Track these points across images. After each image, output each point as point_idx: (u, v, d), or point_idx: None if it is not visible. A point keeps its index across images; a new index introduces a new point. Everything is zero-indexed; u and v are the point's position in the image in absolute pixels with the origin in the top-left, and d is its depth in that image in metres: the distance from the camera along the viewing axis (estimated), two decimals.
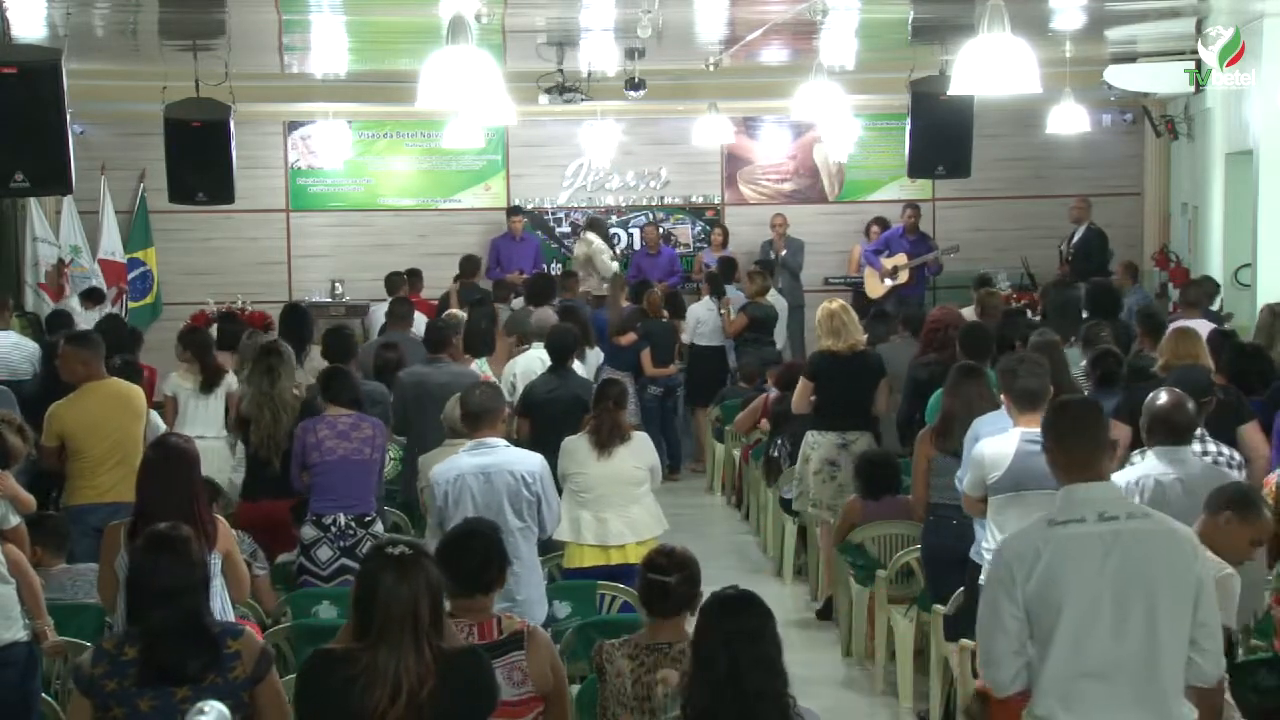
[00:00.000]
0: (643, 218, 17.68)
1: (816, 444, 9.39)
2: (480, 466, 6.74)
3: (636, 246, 17.44)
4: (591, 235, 16.32)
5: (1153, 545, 4.39)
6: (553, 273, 16.16)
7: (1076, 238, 15.44)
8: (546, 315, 10.63)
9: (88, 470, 8.09)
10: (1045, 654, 4.36)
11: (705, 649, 4.30)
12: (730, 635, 4.26)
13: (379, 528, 7.69)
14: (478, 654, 4.32)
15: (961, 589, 7.05)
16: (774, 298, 14.79)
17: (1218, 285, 12.80)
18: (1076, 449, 4.52)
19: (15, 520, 6.43)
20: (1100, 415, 4.69)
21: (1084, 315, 11.10)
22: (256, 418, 8.29)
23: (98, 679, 4.51)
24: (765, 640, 4.31)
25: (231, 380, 9.95)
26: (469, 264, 15.84)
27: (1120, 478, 6.11)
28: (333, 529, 7.58)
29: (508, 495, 6.71)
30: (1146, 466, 6.19)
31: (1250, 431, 7.49)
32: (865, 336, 9.66)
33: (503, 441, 6.93)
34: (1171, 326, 9.25)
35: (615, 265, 16.15)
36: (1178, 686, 4.39)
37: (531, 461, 6.88)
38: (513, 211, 16.92)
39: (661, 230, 17.38)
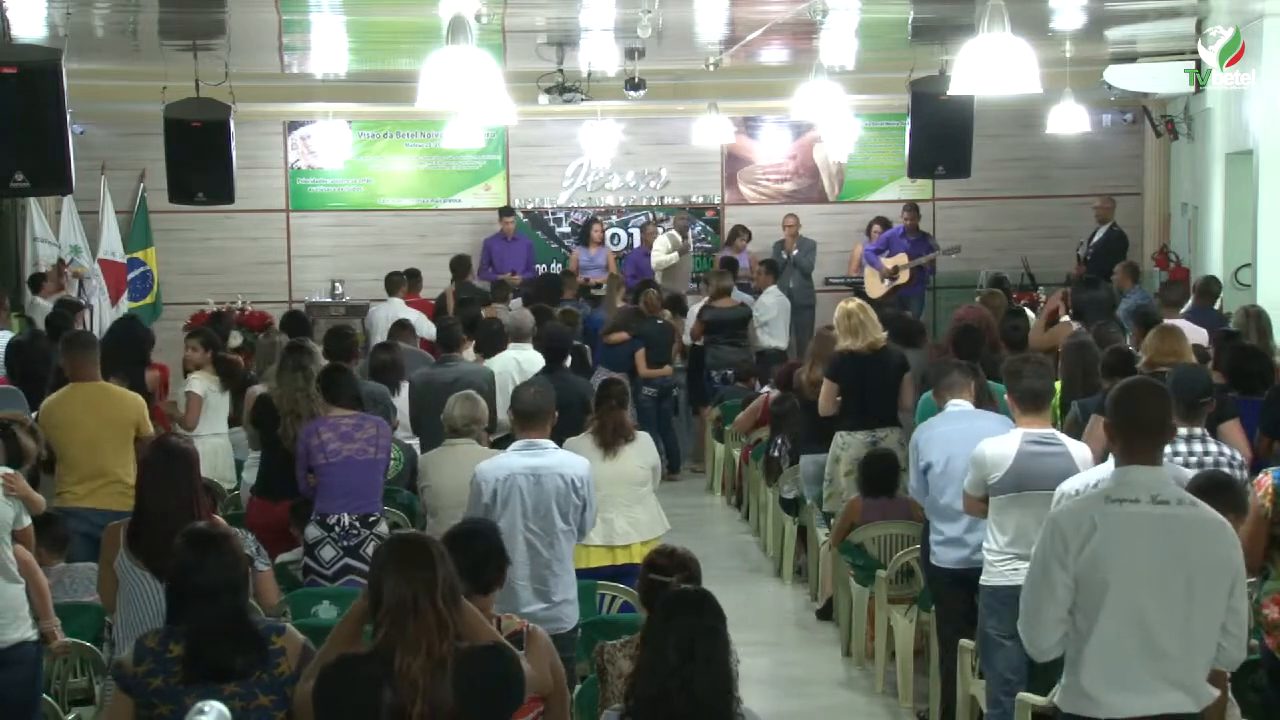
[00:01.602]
0: (643, 217, 17.69)
1: (847, 444, 9.34)
2: (531, 468, 6.71)
3: (636, 245, 17.47)
4: (664, 233, 16.58)
5: (1199, 532, 4.51)
6: (554, 272, 16.30)
7: (1098, 237, 15.43)
8: (524, 316, 10.66)
9: (65, 472, 8.07)
10: (1090, 629, 4.46)
11: (658, 642, 4.29)
12: (686, 631, 4.25)
13: (383, 528, 7.68)
14: (499, 650, 4.30)
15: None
16: (777, 297, 14.82)
17: (1220, 284, 12.79)
18: (1140, 432, 4.57)
19: (26, 521, 6.43)
20: (1167, 399, 4.72)
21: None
22: (292, 411, 8.18)
23: (141, 676, 4.51)
24: (719, 640, 4.29)
25: None
26: (460, 264, 15.86)
27: (1079, 480, 6.02)
28: (336, 529, 7.56)
29: (556, 498, 6.69)
30: (1107, 466, 6.15)
31: (1230, 430, 7.43)
32: (885, 334, 9.64)
33: (552, 443, 6.90)
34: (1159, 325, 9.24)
35: (671, 258, 16.25)
36: (1207, 667, 4.53)
37: (580, 465, 6.86)
38: (504, 212, 16.94)
39: (675, 223, 17.34)
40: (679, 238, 16.62)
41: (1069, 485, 6.04)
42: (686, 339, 14.29)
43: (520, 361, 9.89)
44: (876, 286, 16.00)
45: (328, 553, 7.52)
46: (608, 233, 17.38)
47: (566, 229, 17.69)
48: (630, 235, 17.70)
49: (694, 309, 14.57)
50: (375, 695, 4.01)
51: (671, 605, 4.38)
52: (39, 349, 10.05)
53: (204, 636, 4.52)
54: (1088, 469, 6.59)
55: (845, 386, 9.41)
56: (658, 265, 16.35)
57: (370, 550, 7.37)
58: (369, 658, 4.10)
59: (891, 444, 9.21)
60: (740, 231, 16.79)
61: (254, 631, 4.59)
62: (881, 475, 8.76)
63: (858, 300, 9.80)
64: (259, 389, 9.26)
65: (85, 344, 8.40)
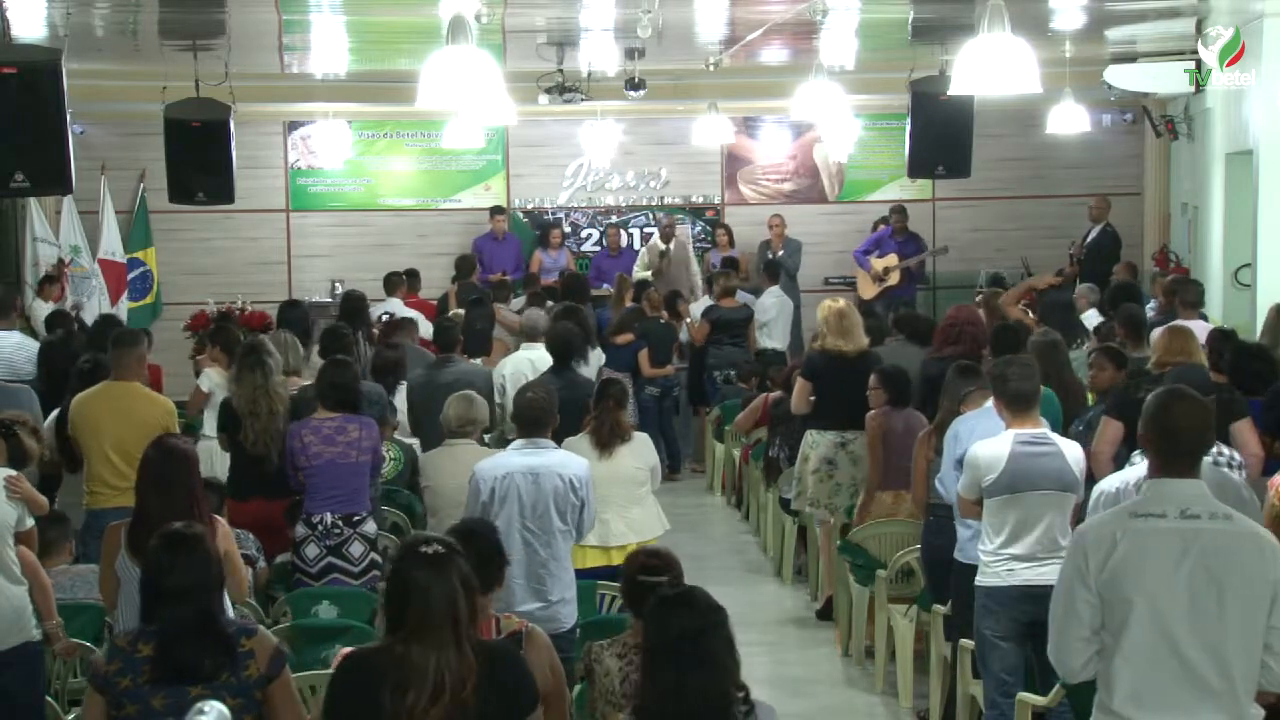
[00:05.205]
0: (643, 217, 17.70)
1: (815, 443, 9.38)
2: (529, 467, 6.73)
3: (636, 245, 17.46)
4: (657, 239, 16.64)
5: (1232, 547, 4.34)
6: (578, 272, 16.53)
7: (1091, 237, 15.43)
8: (536, 316, 10.64)
9: (91, 471, 8.08)
10: (1116, 648, 4.34)
11: (649, 650, 4.30)
12: (672, 637, 4.24)
13: (369, 527, 7.63)
14: (516, 649, 4.29)
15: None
16: (778, 298, 14.82)
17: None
18: (1174, 443, 4.43)
19: (30, 522, 6.44)
20: (1205, 409, 4.54)
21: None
22: (251, 412, 8.20)
23: (111, 676, 4.51)
24: (708, 639, 4.25)
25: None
26: (465, 264, 15.85)
27: (1121, 477, 6.08)
28: (319, 528, 7.55)
29: (554, 498, 6.70)
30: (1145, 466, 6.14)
31: (1242, 429, 7.41)
32: (869, 339, 9.65)
33: (552, 443, 6.92)
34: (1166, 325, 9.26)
35: (645, 275, 16.29)
36: (1249, 688, 4.35)
37: (579, 466, 6.87)
38: (495, 211, 16.96)
39: (660, 228, 17.31)
40: (659, 246, 16.46)
41: (1108, 484, 6.04)
42: (684, 338, 14.29)
43: (534, 361, 9.87)
44: (869, 287, 16.01)
45: (311, 551, 7.53)
46: (614, 235, 17.39)
47: (567, 229, 17.69)
48: (630, 235, 17.70)
49: (692, 309, 14.56)
50: (390, 698, 3.94)
51: (657, 611, 4.36)
52: (69, 349, 10.12)
53: (173, 637, 4.51)
54: (1080, 468, 6.60)
55: (822, 386, 9.40)
56: (637, 280, 16.15)
57: (353, 550, 7.47)
58: (385, 661, 4.02)
59: (860, 447, 9.19)
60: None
61: (224, 633, 4.57)
62: (903, 385, 8.75)
63: (845, 300, 9.81)
64: (220, 394, 9.25)
65: (125, 342, 8.39)
